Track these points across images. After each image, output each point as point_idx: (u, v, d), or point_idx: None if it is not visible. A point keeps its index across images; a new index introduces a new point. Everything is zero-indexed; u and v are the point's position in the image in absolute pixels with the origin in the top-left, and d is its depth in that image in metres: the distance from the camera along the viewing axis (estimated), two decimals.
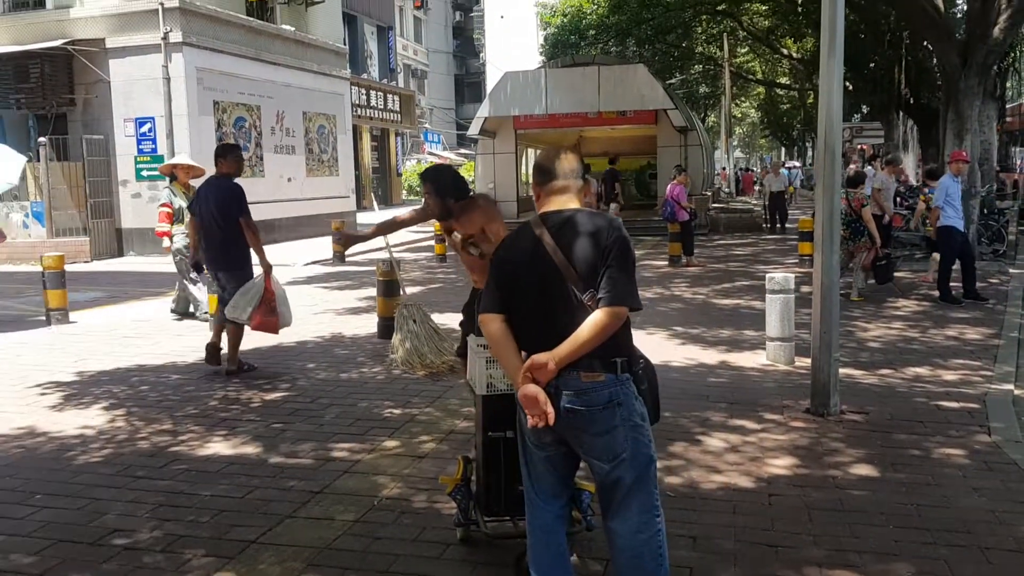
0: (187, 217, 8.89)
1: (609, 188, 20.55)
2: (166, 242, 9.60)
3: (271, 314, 7.10)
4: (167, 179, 9.85)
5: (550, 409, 2.76)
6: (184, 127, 17.75)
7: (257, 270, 7.21)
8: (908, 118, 25.40)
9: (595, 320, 2.74)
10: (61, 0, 18.45)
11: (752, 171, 48.49)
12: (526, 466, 3.04)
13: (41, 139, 17.46)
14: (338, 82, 24.29)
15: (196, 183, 9.67)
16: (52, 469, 4.97)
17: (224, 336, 7.34)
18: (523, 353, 2.86)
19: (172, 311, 10.13)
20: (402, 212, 5.33)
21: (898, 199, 13.97)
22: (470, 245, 4.71)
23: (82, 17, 18.20)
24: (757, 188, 35.66)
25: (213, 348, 7.39)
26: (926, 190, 12.35)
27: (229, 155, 7.22)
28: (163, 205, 9.54)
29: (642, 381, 2.92)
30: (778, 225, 21.31)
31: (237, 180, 7.23)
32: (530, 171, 3.88)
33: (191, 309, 10.00)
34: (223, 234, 7.08)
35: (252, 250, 7.17)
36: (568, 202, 2.95)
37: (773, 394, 6.27)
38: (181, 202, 9.40)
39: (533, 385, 2.77)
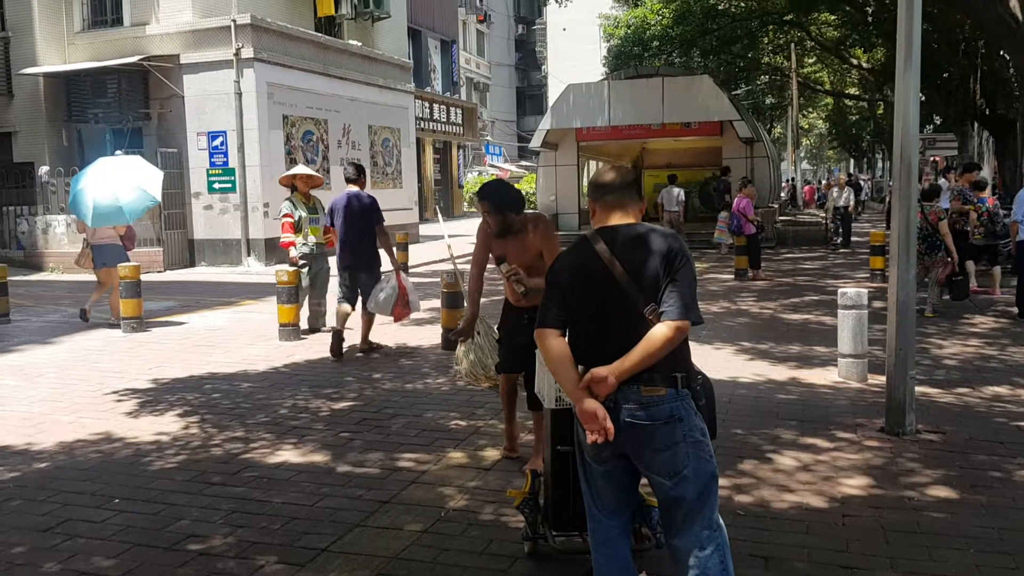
0: (306, 227, 9.29)
1: (720, 198, 20.41)
2: (293, 251, 9.40)
3: (406, 307, 8.43)
4: (289, 190, 9.67)
5: (610, 424, 2.75)
6: (255, 140, 18.16)
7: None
8: (983, 129, 24.71)
9: (659, 333, 2.73)
10: (138, 18, 19.07)
11: (815, 183, 46.02)
12: (586, 481, 3.03)
13: (117, 152, 18.01)
14: (403, 96, 24.60)
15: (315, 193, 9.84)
16: (129, 474, 5.10)
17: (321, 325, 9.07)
18: (579, 368, 2.85)
19: (305, 331, 9.74)
20: (467, 265, 5.25)
21: None
22: (515, 281, 4.71)
23: (158, 34, 18.77)
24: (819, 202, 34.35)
25: (338, 337, 8.45)
26: (975, 200, 11.95)
27: (363, 174, 8.83)
28: (285, 216, 9.36)
29: (700, 397, 2.90)
30: (839, 239, 20.54)
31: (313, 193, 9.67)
32: None
33: (319, 325, 9.81)
34: (365, 239, 8.48)
35: (383, 251, 8.52)
36: (625, 217, 2.94)
37: (846, 412, 6.13)
38: (302, 212, 9.41)
39: (592, 400, 2.77)
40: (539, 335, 2.94)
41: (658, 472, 2.82)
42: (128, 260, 10.72)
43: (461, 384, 7.13)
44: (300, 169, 10.09)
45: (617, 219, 2.94)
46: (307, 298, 9.80)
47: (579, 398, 2.80)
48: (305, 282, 9.60)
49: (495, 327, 5.38)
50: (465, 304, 8.30)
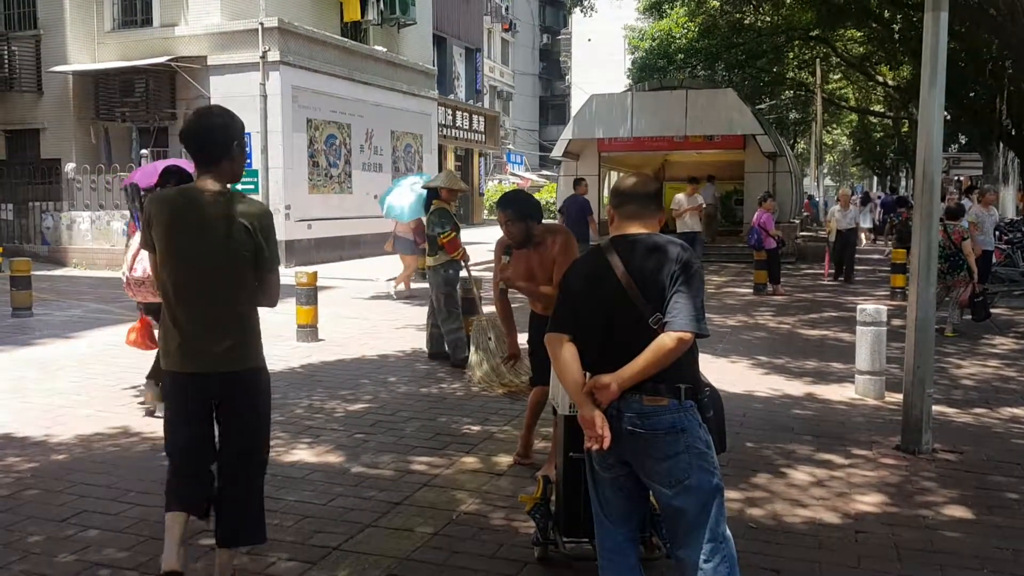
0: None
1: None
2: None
3: None
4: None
5: (607, 433, 2.77)
6: (278, 143, 18.29)
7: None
8: (1009, 150, 24.50)
9: (659, 344, 2.74)
10: (167, 19, 19.28)
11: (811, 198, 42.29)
12: (594, 488, 3.04)
13: (143, 151, 18.22)
14: (426, 102, 24.70)
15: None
16: (145, 468, 5.14)
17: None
18: (587, 374, 2.86)
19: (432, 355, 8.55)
20: (483, 273, 5.39)
21: (997, 233, 13.45)
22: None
23: (186, 35, 18.97)
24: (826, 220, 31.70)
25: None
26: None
27: (583, 182, 14.13)
28: (448, 234, 8.00)
29: (707, 409, 2.90)
30: (841, 277, 16.19)
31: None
32: None
33: (447, 348, 8.32)
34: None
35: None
36: (642, 227, 2.96)
37: (862, 429, 6.10)
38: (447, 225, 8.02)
39: (592, 407, 2.80)
40: (549, 340, 2.96)
41: (659, 481, 2.83)
42: (414, 252, 13.24)
43: (475, 390, 7.16)
44: (445, 180, 8.66)
45: (634, 229, 2.96)
46: (434, 320, 8.43)
47: (581, 404, 2.83)
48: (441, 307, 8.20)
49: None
50: (466, 274, 8.25)
